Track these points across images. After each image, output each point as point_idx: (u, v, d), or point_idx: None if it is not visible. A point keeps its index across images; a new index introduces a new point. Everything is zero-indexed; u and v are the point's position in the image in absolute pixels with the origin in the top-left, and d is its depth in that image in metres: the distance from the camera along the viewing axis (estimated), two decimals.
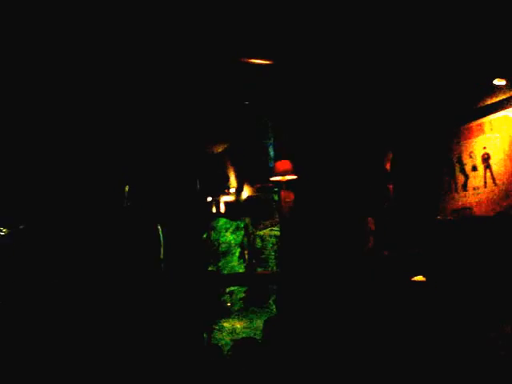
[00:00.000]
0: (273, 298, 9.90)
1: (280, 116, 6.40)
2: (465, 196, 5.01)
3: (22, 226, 5.65)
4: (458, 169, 5.13)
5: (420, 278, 4.63)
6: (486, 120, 4.81)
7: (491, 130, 4.76)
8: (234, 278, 8.43)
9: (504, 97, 4.61)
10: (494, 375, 3.65)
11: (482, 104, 4.86)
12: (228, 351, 5.46)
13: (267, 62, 5.70)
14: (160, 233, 3.53)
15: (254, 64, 5.70)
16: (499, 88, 4.65)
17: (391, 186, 5.63)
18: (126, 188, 3.89)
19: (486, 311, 3.82)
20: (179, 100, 5.94)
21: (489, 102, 4.79)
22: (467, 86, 4.96)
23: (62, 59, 5.18)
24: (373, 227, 5.52)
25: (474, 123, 4.96)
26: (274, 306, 9.61)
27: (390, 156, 5.71)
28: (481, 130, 4.89)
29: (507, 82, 4.56)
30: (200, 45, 5.31)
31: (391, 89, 5.55)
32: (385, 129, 5.74)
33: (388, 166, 5.70)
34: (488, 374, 3.67)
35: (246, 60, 5.66)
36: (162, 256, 3.54)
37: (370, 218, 5.53)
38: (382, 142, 5.77)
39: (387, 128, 5.73)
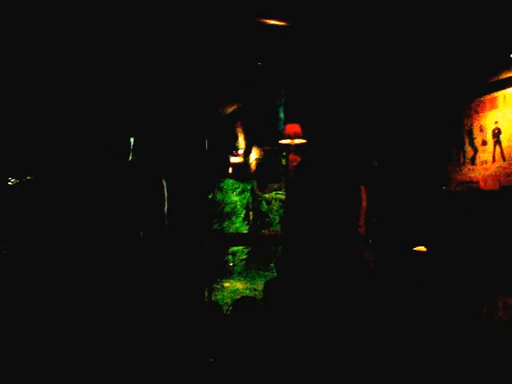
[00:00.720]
0: (275, 261, 10.00)
1: (292, 79, 6.35)
2: (472, 170, 5.00)
3: (29, 177, 5.70)
4: (467, 142, 5.10)
5: (421, 248, 4.66)
6: (500, 94, 4.76)
7: (505, 104, 4.71)
8: (238, 238, 8.49)
9: None
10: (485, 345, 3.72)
11: (497, 77, 4.79)
12: (228, 310, 5.55)
13: (283, 24, 5.63)
14: (164, 188, 3.52)
15: (270, 25, 5.63)
16: None
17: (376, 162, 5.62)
18: (132, 140, 3.86)
19: (483, 283, 3.87)
20: (192, 57, 5.90)
21: (505, 75, 4.72)
22: (483, 59, 4.88)
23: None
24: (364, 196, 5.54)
25: (488, 97, 4.91)
26: (275, 269, 9.71)
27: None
28: (494, 104, 4.84)
29: None
30: (215, 3, 5.24)
31: (405, 56, 5.48)
32: (396, 97, 5.69)
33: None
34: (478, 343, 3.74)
35: (261, 20, 5.59)
36: (165, 211, 3.53)
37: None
38: (389, 111, 5.73)
39: (398, 96, 5.67)
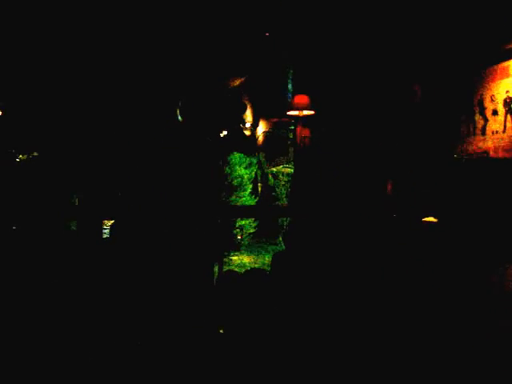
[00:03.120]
0: (282, 235, 10.00)
1: (300, 49, 6.28)
2: (483, 140, 4.96)
3: (36, 154, 5.72)
4: (478, 112, 5.05)
5: (431, 219, 4.65)
6: None
7: None
8: (246, 210, 8.49)
9: None
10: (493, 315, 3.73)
11: (508, 46, 4.72)
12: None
13: None
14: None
15: None
16: None
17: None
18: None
19: (492, 252, 3.86)
20: (200, 28, 5.84)
21: None
22: (493, 27, 4.80)
23: None
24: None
25: (499, 66, 4.84)
26: (282, 243, 9.72)
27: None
28: (505, 73, 4.77)
29: None
30: None
31: (415, 26, 5.40)
32: (405, 67, 5.63)
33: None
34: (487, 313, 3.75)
35: None
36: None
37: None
38: (402, 79, 5.67)
39: (408, 66, 5.61)
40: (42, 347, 3.81)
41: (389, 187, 5.45)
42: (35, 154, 5.79)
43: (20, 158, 5.74)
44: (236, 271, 5.83)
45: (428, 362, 3.71)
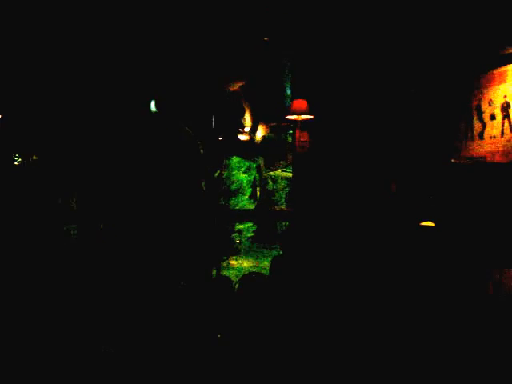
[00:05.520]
0: (279, 239, 10.00)
1: (298, 54, 6.30)
2: (481, 144, 4.97)
3: (35, 157, 5.71)
4: (475, 117, 5.06)
5: (428, 223, 4.66)
6: (510, 67, 4.71)
7: None
8: (245, 214, 8.50)
9: None
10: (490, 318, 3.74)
11: (506, 51, 4.74)
12: (235, 285, 5.58)
13: None
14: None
15: None
16: None
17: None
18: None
19: (490, 256, 3.87)
20: (195, 33, 5.85)
21: None
22: (492, 33, 4.82)
23: None
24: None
25: (497, 71, 4.85)
26: (280, 246, 9.73)
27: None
28: (503, 78, 4.79)
29: None
30: None
31: (413, 30, 5.42)
32: (402, 72, 5.64)
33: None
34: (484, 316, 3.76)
35: None
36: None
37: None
38: (398, 85, 5.68)
39: (405, 72, 5.63)
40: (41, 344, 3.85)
41: (392, 189, 5.47)
42: (34, 157, 5.78)
43: (18, 162, 5.74)
44: (229, 277, 5.84)
45: (426, 366, 3.72)
